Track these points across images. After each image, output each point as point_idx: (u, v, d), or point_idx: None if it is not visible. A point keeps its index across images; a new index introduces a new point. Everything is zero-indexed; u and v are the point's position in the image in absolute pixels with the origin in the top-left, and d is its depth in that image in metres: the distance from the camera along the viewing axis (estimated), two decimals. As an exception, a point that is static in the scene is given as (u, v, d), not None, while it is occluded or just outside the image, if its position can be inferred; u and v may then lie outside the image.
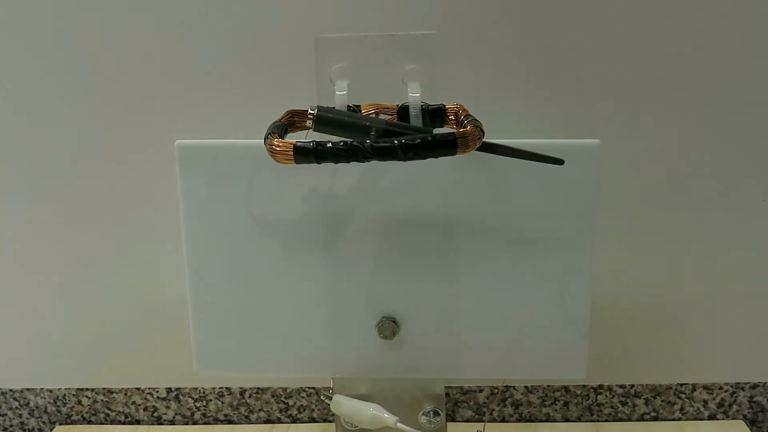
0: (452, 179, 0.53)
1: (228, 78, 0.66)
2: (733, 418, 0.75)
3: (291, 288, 0.56)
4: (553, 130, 0.66)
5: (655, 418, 0.75)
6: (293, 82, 0.65)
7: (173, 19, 0.65)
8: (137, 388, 0.77)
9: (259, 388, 0.76)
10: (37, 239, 0.72)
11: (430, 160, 0.46)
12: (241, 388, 0.76)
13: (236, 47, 0.65)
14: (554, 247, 0.54)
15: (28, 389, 0.77)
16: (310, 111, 0.50)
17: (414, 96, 0.54)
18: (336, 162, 0.45)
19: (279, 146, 0.46)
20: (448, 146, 0.45)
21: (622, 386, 0.74)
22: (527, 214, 0.54)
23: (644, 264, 0.70)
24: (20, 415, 0.78)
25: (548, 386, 0.75)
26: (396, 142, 0.44)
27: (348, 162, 0.45)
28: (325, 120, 0.50)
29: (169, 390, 0.77)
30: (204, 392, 0.76)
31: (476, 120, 0.51)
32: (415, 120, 0.54)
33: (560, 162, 0.50)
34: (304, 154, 0.45)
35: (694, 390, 0.74)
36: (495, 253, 0.55)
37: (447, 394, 0.75)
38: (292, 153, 0.45)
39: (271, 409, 0.77)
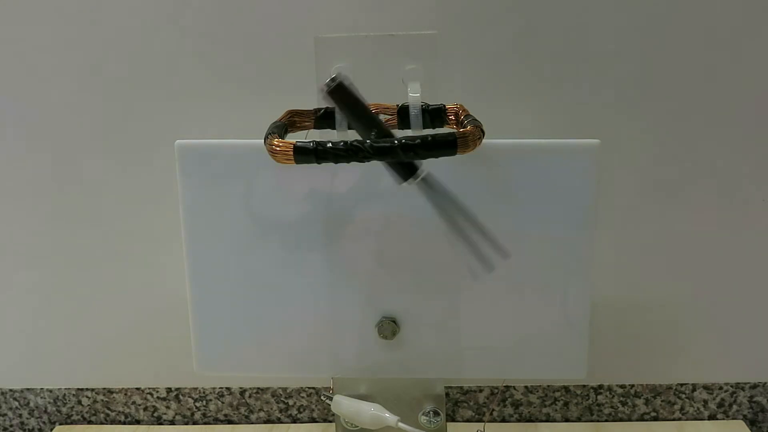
0: (452, 179, 0.53)
1: (228, 78, 0.66)
2: (733, 418, 0.75)
3: (291, 288, 0.56)
4: (553, 130, 0.66)
5: (655, 418, 0.75)
6: (293, 82, 0.65)
7: (173, 20, 0.65)
8: (137, 388, 0.77)
9: (259, 388, 0.76)
10: (37, 239, 0.72)
11: (430, 160, 0.46)
12: (241, 388, 0.76)
13: (236, 47, 0.65)
14: (554, 247, 0.54)
15: (28, 389, 0.77)
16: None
17: (414, 96, 0.54)
18: (336, 162, 0.45)
19: (279, 146, 0.46)
20: (448, 146, 0.45)
21: (622, 386, 0.74)
22: (527, 214, 0.54)
23: (644, 264, 0.70)
24: (20, 415, 0.78)
25: (548, 386, 0.75)
26: (396, 142, 0.44)
27: (348, 162, 0.45)
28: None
29: (169, 390, 0.77)
30: (204, 392, 0.76)
31: (476, 120, 0.51)
32: (415, 120, 0.54)
33: (506, 256, 0.51)
34: (304, 154, 0.45)
35: (694, 390, 0.74)
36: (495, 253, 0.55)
37: (447, 394, 0.75)
38: (292, 153, 0.45)
39: (271, 409, 0.77)
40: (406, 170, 0.48)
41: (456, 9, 0.63)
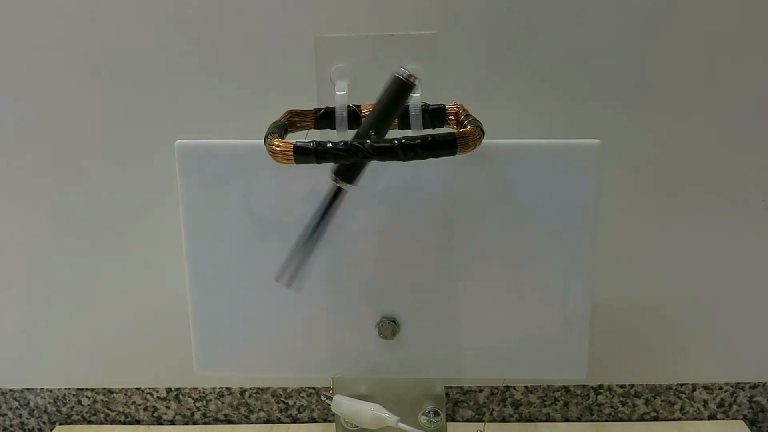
0: (452, 179, 0.53)
1: (228, 78, 0.66)
2: (733, 418, 0.75)
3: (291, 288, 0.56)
4: (553, 130, 0.66)
5: (655, 418, 0.75)
6: (293, 82, 0.65)
7: (173, 20, 0.65)
8: (137, 388, 0.77)
9: (259, 388, 0.76)
10: (37, 239, 0.72)
11: (430, 160, 0.46)
12: (241, 388, 0.76)
13: (236, 47, 0.65)
14: (554, 247, 0.54)
15: (28, 389, 0.77)
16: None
17: (414, 96, 0.54)
18: (336, 162, 0.45)
19: (279, 146, 0.46)
20: (448, 146, 0.45)
21: (622, 386, 0.74)
22: (527, 214, 0.53)
23: (644, 264, 0.70)
24: (20, 415, 0.78)
25: (548, 386, 0.75)
26: (396, 142, 0.44)
27: (348, 162, 0.45)
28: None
29: (169, 390, 0.77)
30: (204, 392, 0.76)
31: (476, 120, 0.51)
32: (415, 120, 0.54)
33: (287, 285, 0.51)
34: (304, 154, 0.45)
35: (694, 390, 0.74)
36: (495, 253, 0.55)
37: (447, 394, 0.75)
38: (292, 153, 0.45)
39: (271, 409, 0.77)
40: (349, 172, 0.48)
41: (456, 9, 0.63)
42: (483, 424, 0.75)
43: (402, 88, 0.48)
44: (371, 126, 0.48)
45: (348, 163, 0.48)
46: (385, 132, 0.48)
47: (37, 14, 0.65)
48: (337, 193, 0.49)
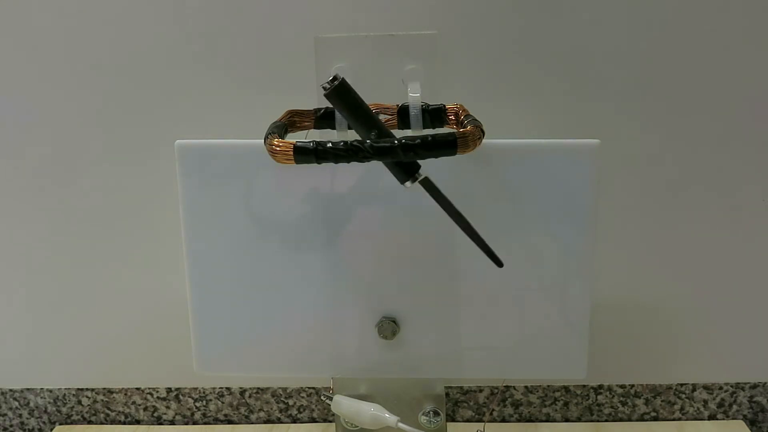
0: (452, 179, 0.53)
1: (228, 78, 0.66)
2: (733, 418, 0.75)
3: (291, 288, 0.56)
4: (553, 130, 0.66)
5: (655, 418, 0.75)
6: (293, 82, 0.65)
7: (174, 20, 0.65)
8: (137, 388, 0.77)
9: (259, 388, 0.76)
10: (37, 239, 0.72)
11: (430, 160, 0.46)
12: (241, 388, 0.76)
13: (237, 47, 0.65)
14: (554, 247, 0.54)
15: (28, 389, 0.77)
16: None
17: (414, 96, 0.54)
18: (336, 162, 0.45)
19: (279, 146, 0.46)
20: (448, 146, 0.45)
21: (622, 386, 0.74)
22: (527, 214, 0.54)
23: (644, 264, 0.70)
24: (20, 415, 0.78)
25: (548, 386, 0.75)
26: (396, 142, 0.44)
27: (348, 162, 0.45)
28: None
29: (169, 390, 0.77)
30: (204, 392, 0.76)
31: (476, 120, 0.51)
32: (415, 120, 0.54)
33: (499, 264, 0.51)
34: (304, 154, 0.45)
35: (694, 390, 0.74)
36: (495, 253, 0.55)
37: (447, 394, 0.75)
38: (292, 153, 0.45)
39: (271, 409, 0.77)
40: (404, 171, 0.48)
41: (456, 9, 0.63)
42: (483, 424, 0.75)
43: (338, 93, 0.47)
44: (366, 129, 0.48)
45: (400, 165, 0.48)
46: (381, 128, 0.48)
47: (37, 14, 0.65)
48: (428, 184, 0.49)
